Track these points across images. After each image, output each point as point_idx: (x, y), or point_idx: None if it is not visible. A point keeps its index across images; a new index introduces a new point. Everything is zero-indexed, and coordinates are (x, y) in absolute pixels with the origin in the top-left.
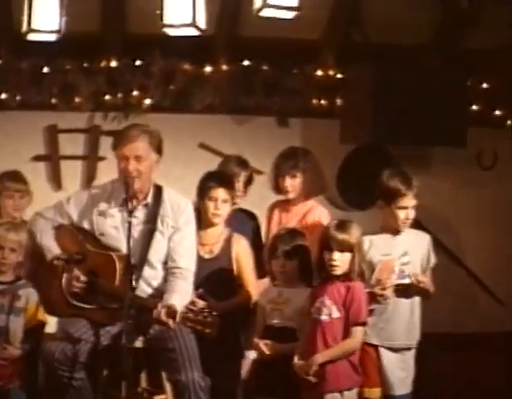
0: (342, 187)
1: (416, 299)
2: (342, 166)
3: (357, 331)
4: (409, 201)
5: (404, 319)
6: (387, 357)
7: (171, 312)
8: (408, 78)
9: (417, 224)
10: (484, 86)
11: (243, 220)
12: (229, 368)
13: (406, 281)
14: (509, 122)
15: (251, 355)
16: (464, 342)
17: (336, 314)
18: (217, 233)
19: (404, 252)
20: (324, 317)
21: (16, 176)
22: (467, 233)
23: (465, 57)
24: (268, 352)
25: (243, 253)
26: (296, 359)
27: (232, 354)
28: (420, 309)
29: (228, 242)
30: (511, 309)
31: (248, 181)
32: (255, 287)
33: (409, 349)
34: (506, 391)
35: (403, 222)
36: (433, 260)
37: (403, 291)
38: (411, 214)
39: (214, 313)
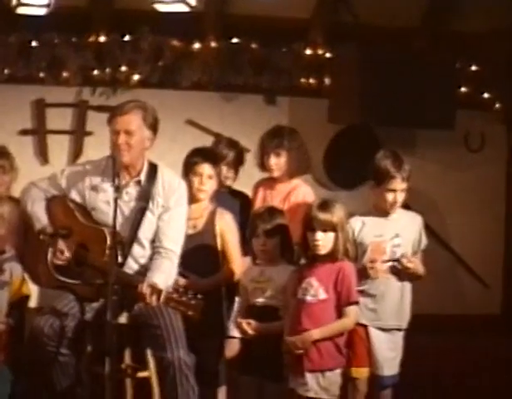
0: (328, 167)
1: (407, 284)
2: (330, 146)
3: (351, 310)
4: (398, 184)
5: (394, 300)
6: (377, 338)
7: (156, 291)
8: (397, 60)
9: (405, 207)
10: (473, 68)
11: (234, 201)
12: (213, 346)
13: (397, 263)
14: (497, 105)
15: (235, 333)
16: (448, 324)
17: (323, 296)
18: (201, 208)
19: (396, 234)
20: (310, 298)
21: None
22: (453, 216)
23: (454, 40)
24: (251, 332)
25: (227, 228)
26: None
27: (215, 332)
28: (410, 291)
29: (211, 217)
30: (496, 292)
31: (239, 162)
32: (240, 263)
33: (399, 330)
34: (489, 373)
35: (391, 205)
36: (424, 242)
37: (394, 272)
38: (400, 197)
39: (199, 296)
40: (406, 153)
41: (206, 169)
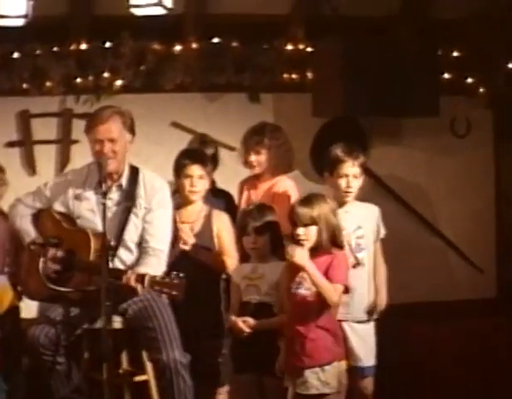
0: (316, 160)
1: (372, 274)
2: (316, 140)
3: (337, 286)
4: (349, 169)
5: (364, 293)
6: (351, 331)
7: (139, 277)
8: (378, 49)
9: (392, 195)
10: (455, 54)
11: (217, 199)
12: (212, 345)
13: (364, 254)
14: (481, 90)
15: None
16: (443, 310)
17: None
18: (196, 211)
19: (358, 226)
20: (304, 292)
21: None
22: (442, 202)
23: (435, 27)
24: (247, 330)
25: (223, 228)
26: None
27: (213, 329)
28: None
29: (208, 218)
30: (491, 276)
31: (214, 160)
32: (235, 260)
33: (369, 322)
34: (488, 357)
35: (345, 191)
36: (383, 231)
37: (361, 264)
38: (353, 183)
39: (181, 275)
40: (393, 142)
41: (196, 170)
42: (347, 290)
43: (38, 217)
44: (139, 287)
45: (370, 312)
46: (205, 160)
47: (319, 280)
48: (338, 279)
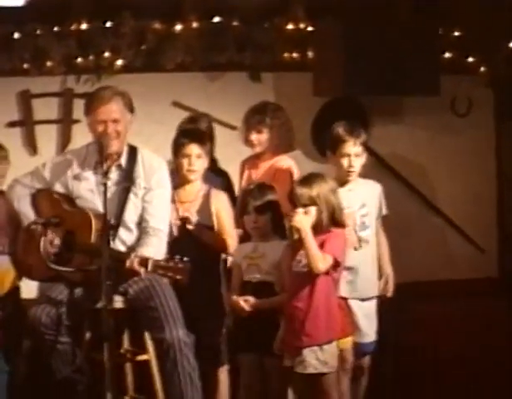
0: (317, 140)
1: (375, 252)
2: (317, 119)
3: (326, 256)
4: (350, 148)
5: (368, 271)
6: (356, 308)
7: (143, 261)
8: (379, 29)
9: (393, 174)
10: (456, 33)
11: (213, 178)
12: (213, 324)
13: (368, 232)
14: (482, 68)
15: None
16: (444, 290)
17: None
18: (195, 190)
19: (362, 204)
20: (306, 269)
21: None
22: (444, 181)
23: (435, 6)
24: (248, 309)
25: (222, 207)
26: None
27: (215, 310)
28: (377, 261)
29: (206, 198)
30: (492, 255)
31: (209, 135)
32: (236, 238)
33: (373, 298)
34: (490, 336)
35: (347, 170)
36: (384, 210)
37: (365, 242)
38: (356, 162)
39: (185, 259)
40: (394, 121)
41: (194, 149)
42: (337, 263)
43: (36, 197)
44: (142, 270)
45: (384, 290)
46: (203, 138)
47: (310, 244)
48: (329, 250)
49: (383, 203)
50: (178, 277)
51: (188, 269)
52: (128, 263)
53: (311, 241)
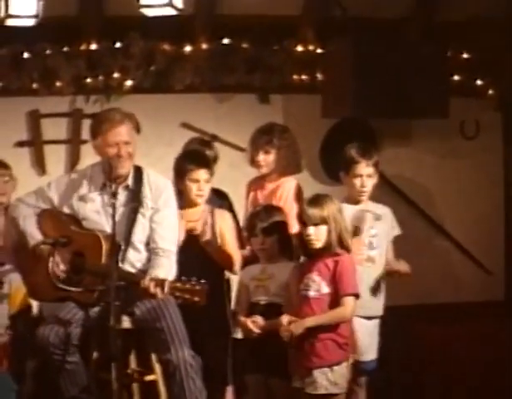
0: (325, 162)
1: (380, 270)
2: (325, 141)
3: (348, 300)
4: (363, 169)
5: (373, 289)
6: (359, 326)
7: (159, 282)
8: (388, 51)
9: (402, 197)
10: (465, 56)
11: (214, 199)
12: (218, 345)
13: (375, 252)
14: (490, 91)
15: (238, 335)
16: (451, 312)
17: (325, 290)
18: (200, 210)
19: (371, 225)
20: (313, 293)
21: None
22: (451, 204)
23: (444, 29)
24: (256, 330)
25: (226, 226)
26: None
27: (220, 331)
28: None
29: (211, 217)
30: (499, 278)
31: (213, 161)
32: (239, 257)
33: (376, 317)
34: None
35: (359, 191)
36: (397, 230)
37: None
38: (368, 182)
39: (203, 281)
40: (402, 144)
41: (203, 174)
42: (357, 296)
43: (42, 217)
44: (158, 291)
45: (390, 273)
46: (210, 163)
47: (325, 320)
48: (348, 290)
49: (395, 224)
50: (196, 299)
51: (205, 291)
52: (143, 285)
53: (322, 320)
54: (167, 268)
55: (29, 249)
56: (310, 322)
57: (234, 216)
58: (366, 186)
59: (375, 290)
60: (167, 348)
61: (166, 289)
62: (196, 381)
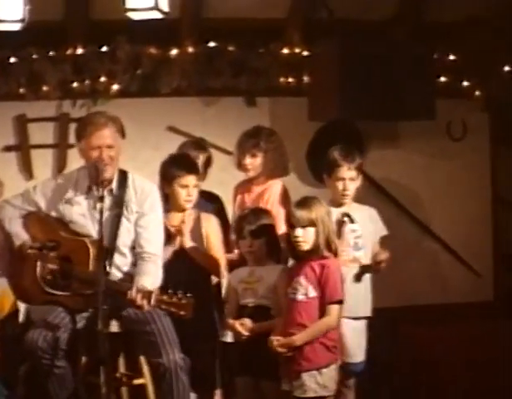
0: (312, 164)
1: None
2: (312, 143)
3: (333, 309)
4: (345, 172)
5: (360, 290)
6: (346, 327)
7: (146, 294)
8: (374, 53)
9: (389, 198)
10: (451, 57)
11: (205, 202)
12: (206, 349)
13: (361, 253)
14: (477, 93)
15: (228, 338)
16: (440, 314)
17: (312, 293)
18: (186, 214)
19: (355, 226)
20: (301, 297)
21: None
22: (439, 206)
23: (431, 30)
24: (245, 333)
25: (212, 230)
26: (273, 336)
27: (208, 334)
28: (370, 280)
29: (197, 221)
30: (488, 279)
31: (207, 163)
32: (224, 261)
33: (364, 318)
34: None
35: (341, 193)
36: (383, 231)
37: (358, 262)
38: (350, 185)
39: (189, 295)
40: (389, 145)
41: (191, 180)
42: (341, 302)
43: (29, 219)
44: (145, 303)
45: (375, 267)
46: (198, 168)
47: (313, 334)
48: (333, 297)
49: (380, 224)
50: (182, 313)
51: (191, 305)
52: (129, 296)
53: (308, 335)
54: (154, 275)
55: (15, 251)
56: (299, 340)
57: (225, 219)
58: (348, 189)
59: (359, 276)
60: (157, 351)
61: (153, 302)
62: (185, 383)
